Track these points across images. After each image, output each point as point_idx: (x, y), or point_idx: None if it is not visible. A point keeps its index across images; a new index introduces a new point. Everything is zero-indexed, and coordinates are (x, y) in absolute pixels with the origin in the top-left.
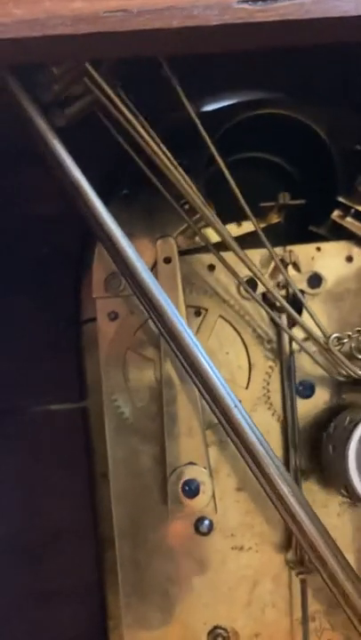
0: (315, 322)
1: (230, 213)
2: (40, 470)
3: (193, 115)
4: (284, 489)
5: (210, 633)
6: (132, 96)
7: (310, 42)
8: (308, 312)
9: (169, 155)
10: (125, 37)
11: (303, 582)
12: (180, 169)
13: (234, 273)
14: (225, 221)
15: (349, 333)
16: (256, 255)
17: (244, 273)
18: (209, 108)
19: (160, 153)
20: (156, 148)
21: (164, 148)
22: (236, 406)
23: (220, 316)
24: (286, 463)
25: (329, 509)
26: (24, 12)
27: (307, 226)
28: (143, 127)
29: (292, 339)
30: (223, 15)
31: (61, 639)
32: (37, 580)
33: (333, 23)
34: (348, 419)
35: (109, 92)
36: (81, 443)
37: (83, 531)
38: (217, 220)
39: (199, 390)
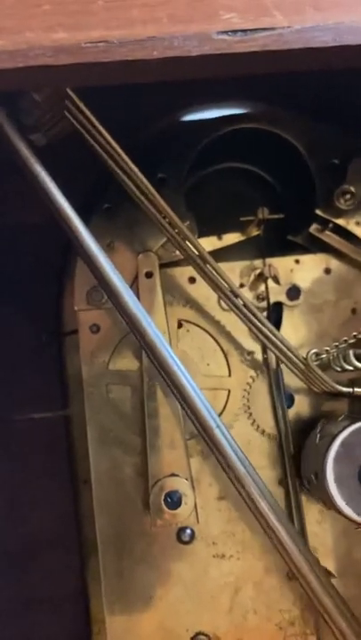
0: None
1: (212, 225)
2: (24, 479)
3: None
4: (264, 505)
5: (193, 639)
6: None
7: (290, 70)
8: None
9: (140, 176)
10: (106, 68)
11: None
12: (152, 188)
13: (215, 287)
14: (207, 233)
15: (327, 348)
16: (237, 267)
17: (226, 285)
18: (190, 120)
19: (135, 171)
20: (130, 166)
21: (137, 171)
22: (218, 426)
23: (202, 328)
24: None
25: (309, 517)
26: (6, 43)
27: (285, 236)
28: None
29: (276, 355)
30: (203, 46)
31: None
32: (22, 587)
33: (312, 53)
34: (325, 429)
35: (87, 113)
36: (64, 451)
37: (66, 539)
38: (191, 235)
39: (178, 401)
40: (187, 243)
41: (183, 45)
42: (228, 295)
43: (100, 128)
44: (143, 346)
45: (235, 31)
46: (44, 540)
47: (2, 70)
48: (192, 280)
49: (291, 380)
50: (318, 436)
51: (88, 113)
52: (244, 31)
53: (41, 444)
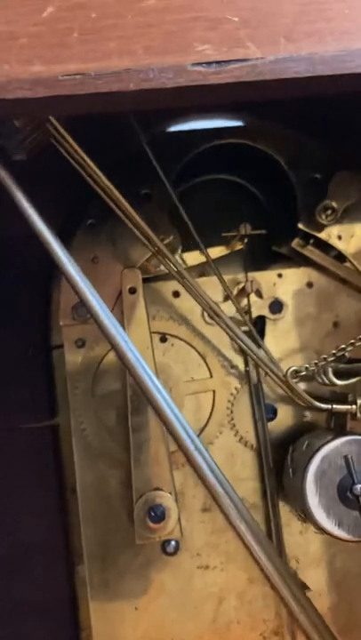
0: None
1: (195, 241)
2: (12, 487)
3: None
4: (236, 516)
5: None
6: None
7: (263, 99)
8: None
9: (119, 195)
10: (83, 100)
11: None
12: (130, 208)
13: (201, 301)
14: (191, 247)
15: (307, 365)
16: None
17: (207, 300)
18: (173, 134)
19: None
20: (111, 187)
21: (115, 191)
22: (192, 441)
23: (186, 342)
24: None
25: (292, 528)
26: None
27: (271, 247)
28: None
29: (260, 366)
30: (178, 78)
31: None
32: (10, 594)
33: (286, 84)
34: (306, 443)
35: (67, 137)
36: (51, 460)
37: (54, 546)
38: (170, 254)
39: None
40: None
41: (159, 77)
42: (211, 308)
43: (82, 153)
44: (125, 366)
45: (209, 63)
46: (32, 548)
47: None
48: (176, 294)
49: (274, 392)
50: (305, 445)
51: (70, 138)
52: (218, 62)
53: (29, 454)
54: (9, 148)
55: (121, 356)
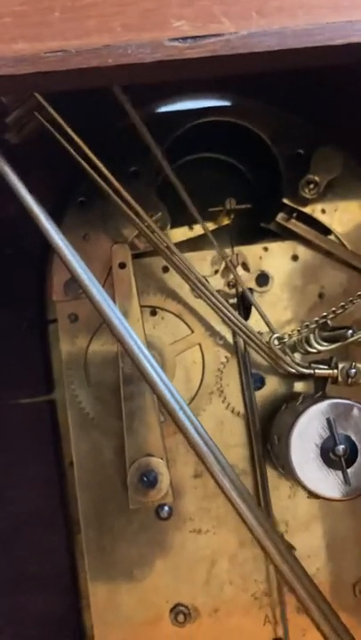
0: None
1: (185, 216)
2: (10, 461)
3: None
4: (225, 482)
5: (172, 610)
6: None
7: (238, 73)
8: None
9: (107, 173)
10: (65, 75)
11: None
12: (118, 184)
13: (186, 277)
14: (179, 223)
15: (289, 333)
16: (207, 256)
17: (194, 275)
18: (159, 114)
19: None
20: (98, 164)
21: (103, 168)
22: (181, 409)
23: (175, 315)
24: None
25: (280, 492)
26: None
27: (258, 223)
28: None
29: (243, 338)
30: (155, 53)
31: (36, 621)
32: (10, 565)
33: (258, 57)
34: (289, 408)
35: (55, 115)
36: (49, 433)
37: (52, 517)
38: (158, 229)
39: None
40: (156, 235)
41: (137, 53)
42: (197, 284)
43: (68, 129)
44: (116, 338)
45: (185, 38)
46: (30, 520)
47: None
48: (165, 269)
49: (261, 362)
50: (286, 409)
51: (56, 115)
52: (193, 38)
53: (27, 428)
54: None
55: (112, 329)
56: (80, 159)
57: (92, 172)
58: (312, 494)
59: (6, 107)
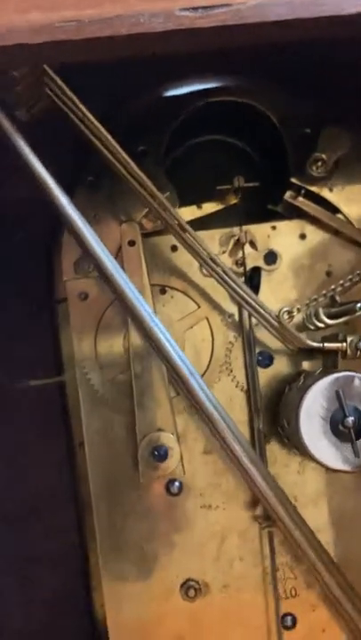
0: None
1: (192, 195)
2: (21, 442)
3: None
4: (239, 450)
5: (182, 585)
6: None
7: (248, 43)
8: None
9: (120, 149)
10: (78, 45)
11: (270, 535)
12: (131, 161)
13: (195, 254)
14: (187, 203)
15: (298, 307)
16: (215, 235)
17: (203, 253)
18: (167, 95)
19: (113, 145)
20: (110, 139)
21: (116, 144)
22: (192, 374)
23: (184, 293)
24: (251, 428)
25: (290, 468)
26: None
27: (265, 205)
28: (94, 123)
29: (251, 313)
30: (167, 22)
31: (47, 600)
32: (22, 544)
33: (269, 26)
34: (299, 382)
35: (66, 90)
36: (59, 415)
37: (63, 498)
38: (170, 206)
39: (162, 362)
40: (167, 212)
41: (149, 22)
42: (207, 262)
43: (79, 103)
44: (125, 309)
45: (196, 8)
46: (41, 500)
47: None
48: (174, 248)
49: (270, 341)
50: (291, 390)
51: (66, 89)
52: (204, 8)
53: (37, 409)
54: (10, 102)
55: (124, 302)
56: (92, 136)
57: (103, 149)
58: (322, 466)
59: (18, 81)
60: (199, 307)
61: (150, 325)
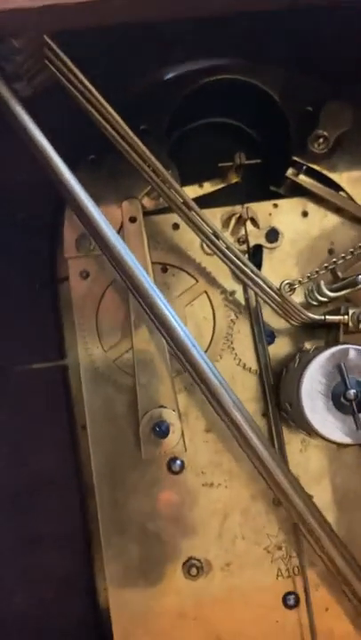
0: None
1: (192, 175)
2: (24, 424)
3: None
4: (245, 426)
5: (185, 563)
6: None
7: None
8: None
9: (124, 125)
10: (78, 9)
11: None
12: (135, 137)
13: (200, 230)
14: (187, 183)
15: (300, 279)
16: (217, 213)
17: (206, 231)
18: (168, 75)
19: (117, 120)
20: (114, 115)
21: (120, 120)
22: (193, 346)
23: (186, 272)
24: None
25: (292, 446)
26: None
27: (267, 186)
28: (97, 98)
29: (253, 290)
30: None
31: (50, 581)
32: (25, 526)
33: None
34: (299, 357)
35: (67, 62)
36: (62, 398)
37: (66, 479)
38: (175, 182)
39: (165, 338)
40: (170, 190)
41: None
42: (210, 238)
43: (81, 75)
44: (129, 286)
45: None
46: (44, 482)
47: None
48: (176, 226)
49: (271, 318)
50: (288, 371)
51: (67, 60)
52: None
53: (40, 392)
54: (10, 72)
55: (127, 276)
56: (95, 113)
57: (107, 126)
58: (325, 439)
59: (18, 50)
60: (197, 281)
61: (154, 300)
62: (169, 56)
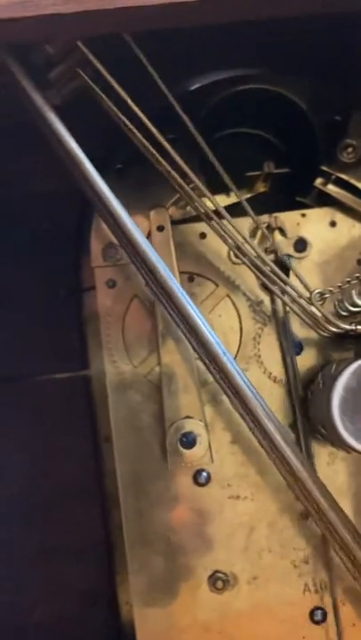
0: (300, 280)
1: (219, 185)
2: (46, 435)
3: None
4: (276, 436)
5: (210, 577)
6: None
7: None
8: (295, 273)
9: (155, 131)
10: (112, 15)
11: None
12: (166, 143)
13: (227, 240)
14: (214, 192)
15: (331, 289)
16: (245, 223)
17: (234, 240)
18: (194, 86)
19: (149, 128)
20: (146, 121)
21: (152, 126)
22: (224, 354)
23: (212, 281)
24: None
25: (320, 459)
26: None
27: (294, 198)
28: (129, 104)
29: (282, 299)
30: None
31: (71, 594)
32: (45, 538)
33: None
34: (333, 369)
35: (101, 70)
36: (84, 409)
37: (87, 491)
38: (206, 190)
39: (193, 346)
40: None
41: None
42: (240, 247)
43: (113, 82)
44: (157, 293)
45: None
46: (65, 492)
47: (15, 19)
48: (203, 235)
49: (299, 329)
50: (321, 381)
51: (100, 67)
52: None
53: (61, 402)
54: (42, 80)
55: (156, 284)
56: (125, 120)
57: (138, 134)
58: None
59: (51, 56)
60: (217, 286)
61: (184, 307)
62: (196, 66)
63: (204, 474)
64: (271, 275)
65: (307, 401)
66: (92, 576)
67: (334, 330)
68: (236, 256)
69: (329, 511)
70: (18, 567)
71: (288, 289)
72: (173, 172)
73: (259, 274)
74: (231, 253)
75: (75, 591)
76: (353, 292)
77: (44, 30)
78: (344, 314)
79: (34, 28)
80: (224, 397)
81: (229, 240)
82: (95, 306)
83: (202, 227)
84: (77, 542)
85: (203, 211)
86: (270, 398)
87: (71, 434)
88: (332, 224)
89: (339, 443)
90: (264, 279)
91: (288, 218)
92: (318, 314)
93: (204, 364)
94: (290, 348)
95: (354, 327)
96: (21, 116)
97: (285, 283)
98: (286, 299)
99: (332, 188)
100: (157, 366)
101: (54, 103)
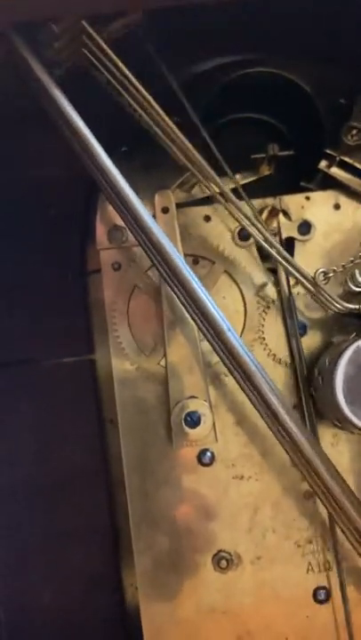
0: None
1: (223, 168)
2: (53, 418)
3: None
4: (282, 412)
5: (214, 556)
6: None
7: None
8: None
9: (162, 112)
10: None
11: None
12: (174, 126)
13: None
14: (221, 175)
15: (334, 268)
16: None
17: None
18: (200, 70)
19: (156, 110)
20: (153, 104)
21: (158, 107)
22: (229, 330)
23: (216, 264)
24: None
25: (324, 441)
26: None
27: (298, 181)
28: (135, 86)
29: (287, 277)
30: None
31: (77, 576)
32: (53, 521)
33: None
34: (333, 347)
35: (106, 49)
36: (90, 392)
37: (93, 475)
38: (211, 171)
39: (198, 325)
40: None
41: None
42: (246, 227)
43: (119, 62)
44: (163, 272)
45: None
46: (71, 477)
47: None
48: (207, 218)
49: (304, 309)
50: (327, 360)
51: (105, 47)
52: None
53: (68, 386)
54: (48, 59)
55: (163, 263)
56: (132, 101)
57: (145, 115)
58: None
59: (57, 36)
60: (214, 263)
61: (191, 286)
62: (200, 49)
63: (209, 454)
64: (276, 255)
65: (311, 382)
66: (97, 559)
67: (339, 309)
68: (241, 238)
69: (335, 488)
70: (24, 550)
71: (292, 269)
72: (181, 155)
73: (268, 248)
74: (236, 236)
75: (80, 574)
76: (356, 271)
77: (49, 9)
78: (353, 289)
79: (40, 6)
80: (228, 380)
81: (243, 220)
82: (101, 290)
83: (206, 209)
84: (83, 525)
85: (217, 190)
86: (274, 379)
87: (78, 417)
88: (337, 207)
89: (344, 422)
90: (277, 256)
91: (292, 200)
92: (323, 294)
93: (209, 341)
94: (295, 328)
95: (358, 307)
96: (27, 98)
97: (290, 263)
98: (293, 274)
99: (336, 171)
100: (162, 348)
101: (58, 73)
